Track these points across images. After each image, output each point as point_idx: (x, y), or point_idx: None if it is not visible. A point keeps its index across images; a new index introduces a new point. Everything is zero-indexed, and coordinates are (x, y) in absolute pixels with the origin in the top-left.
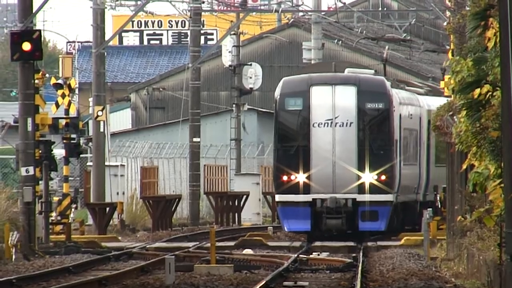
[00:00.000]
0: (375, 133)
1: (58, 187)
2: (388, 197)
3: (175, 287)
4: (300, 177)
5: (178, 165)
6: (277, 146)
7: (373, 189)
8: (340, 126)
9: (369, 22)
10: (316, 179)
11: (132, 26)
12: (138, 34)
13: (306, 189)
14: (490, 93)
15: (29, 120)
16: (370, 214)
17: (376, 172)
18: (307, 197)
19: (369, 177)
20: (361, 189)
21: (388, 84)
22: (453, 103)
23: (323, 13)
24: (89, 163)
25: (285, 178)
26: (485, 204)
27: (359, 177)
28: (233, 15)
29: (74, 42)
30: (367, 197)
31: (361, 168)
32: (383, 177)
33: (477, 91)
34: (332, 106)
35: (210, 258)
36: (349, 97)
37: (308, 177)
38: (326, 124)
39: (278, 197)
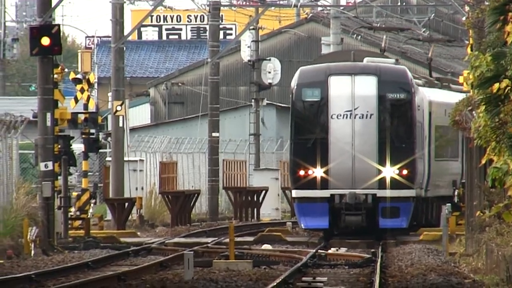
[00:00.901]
0: (396, 125)
1: (77, 182)
2: (411, 193)
3: (194, 283)
4: (317, 172)
5: (197, 160)
6: (294, 139)
7: (395, 184)
8: (359, 118)
9: (388, 17)
10: (335, 174)
11: (151, 21)
12: (157, 29)
13: (324, 184)
14: (509, 87)
15: (48, 115)
16: (391, 210)
17: (398, 166)
18: (325, 193)
19: (390, 171)
20: (381, 184)
21: (410, 74)
22: (472, 98)
23: (342, 7)
24: (108, 158)
25: (301, 172)
26: (504, 199)
27: (379, 172)
28: (252, 10)
29: (93, 36)
30: (388, 193)
31: (381, 162)
32: (404, 172)
33: (496, 85)
34: (352, 96)
35: (229, 253)
36: (369, 88)
37: (326, 172)
38: (345, 116)
39: (294, 193)
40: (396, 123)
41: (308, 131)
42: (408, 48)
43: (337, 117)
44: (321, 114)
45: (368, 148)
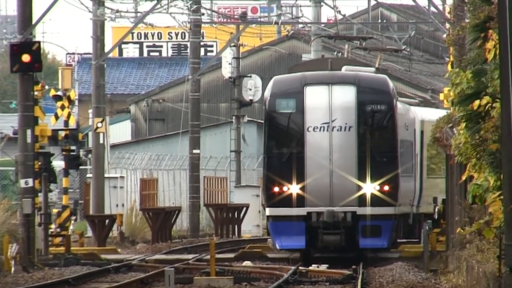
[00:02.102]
0: (377, 138)
1: (58, 199)
2: (393, 210)
3: None
4: (293, 188)
5: (177, 177)
6: (267, 153)
7: (375, 201)
8: (338, 130)
9: (368, 34)
10: (311, 190)
11: (132, 38)
12: (138, 45)
13: (300, 201)
14: (490, 105)
15: (29, 131)
16: (372, 229)
17: (379, 182)
18: (301, 211)
19: (370, 187)
20: (361, 201)
21: (391, 83)
22: (453, 115)
23: (322, 25)
24: (88, 175)
25: (276, 189)
26: (484, 216)
27: (359, 188)
28: (233, 27)
29: (73, 53)
30: (368, 210)
31: (361, 177)
32: (386, 188)
33: (477, 102)
34: (329, 108)
35: (210, 270)
36: (347, 98)
37: (302, 188)
38: (322, 128)
39: (268, 211)
40: (377, 135)
41: (283, 144)
42: (389, 65)
43: (313, 129)
44: (297, 126)
45: (347, 162)
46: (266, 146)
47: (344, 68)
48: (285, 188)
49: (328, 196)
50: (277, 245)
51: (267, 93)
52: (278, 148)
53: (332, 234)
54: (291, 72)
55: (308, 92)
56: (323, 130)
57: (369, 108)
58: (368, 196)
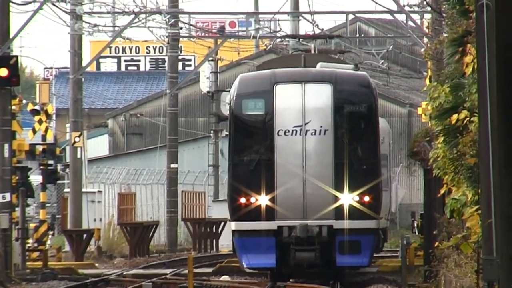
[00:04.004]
0: (356, 143)
1: (35, 213)
2: (374, 224)
3: None
4: (261, 199)
5: (155, 191)
6: (233, 160)
7: (354, 214)
8: (312, 134)
9: (346, 48)
10: (282, 202)
11: (110, 52)
12: (115, 60)
13: (270, 214)
14: (468, 119)
15: (6, 146)
16: (350, 245)
17: (358, 192)
18: (271, 225)
19: (349, 198)
20: (339, 214)
21: (372, 82)
22: (430, 129)
23: (300, 39)
24: (66, 190)
25: (242, 200)
26: (462, 230)
27: (336, 199)
28: (211, 41)
29: (51, 68)
30: (346, 224)
31: (339, 187)
32: (366, 199)
33: (455, 117)
34: (302, 109)
35: (187, 285)
36: (323, 98)
37: (272, 199)
38: (294, 132)
39: (234, 225)
40: (356, 140)
41: (250, 150)
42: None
43: (284, 133)
44: (266, 130)
45: (323, 170)
46: (231, 152)
47: (319, 64)
48: (252, 199)
49: (301, 208)
50: (243, 264)
51: (232, 93)
52: (244, 155)
53: (305, 251)
54: (259, 70)
55: (279, 92)
56: (296, 134)
57: (347, 109)
58: (346, 208)
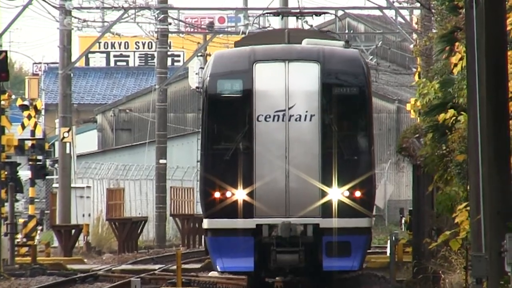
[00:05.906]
0: (347, 130)
1: (24, 209)
2: (366, 222)
3: None
4: (238, 194)
5: (144, 187)
6: (205, 149)
7: (344, 211)
8: (296, 120)
9: None
10: (262, 197)
11: (99, 48)
12: (104, 55)
13: (248, 211)
14: (455, 118)
15: None
16: (339, 246)
17: (349, 186)
18: (249, 223)
19: (338, 193)
20: (326, 210)
21: (364, 61)
22: (419, 126)
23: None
24: (55, 185)
25: (216, 195)
26: (452, 227)
27: (323, 194)
28: (200, 37)
29: (40, 63)
30: (335, 222)
31: (326, 180)
32: (357, 194)
33: (442, 116)
34: (285, 91)
35: (176, 280)
36: (309, 79)
37: (250, 194)
38: (276, 117)
39: (207, 223)
40: (346, 127)
41: (226, 138)
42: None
43: (265, 118)
44: (244, 114)
45: (308, 161)
46: (204, 139)
47: (305, 41)
48: (228, 194)
49: (283, 204)
50: (218, 267)
51: (206, 72)
52: (219, 143)
53: (288, 253)
54: (238, 46)
55: (259, 71)
56: (278, 120)
57: (336, 92)
58: (335, 205)
